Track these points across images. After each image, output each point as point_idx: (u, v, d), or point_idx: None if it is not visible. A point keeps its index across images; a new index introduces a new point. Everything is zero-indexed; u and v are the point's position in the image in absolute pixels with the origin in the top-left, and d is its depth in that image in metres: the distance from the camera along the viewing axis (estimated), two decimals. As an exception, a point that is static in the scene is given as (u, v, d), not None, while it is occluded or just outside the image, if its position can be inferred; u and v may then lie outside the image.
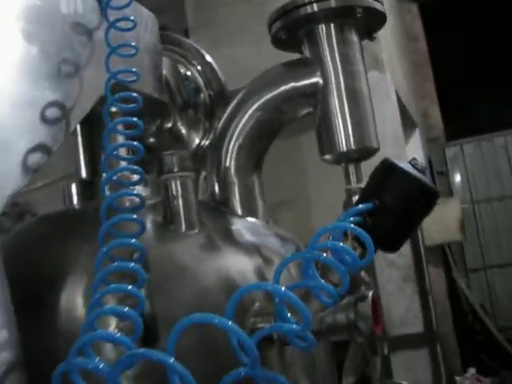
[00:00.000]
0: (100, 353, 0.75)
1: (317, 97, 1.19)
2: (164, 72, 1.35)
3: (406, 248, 4.20)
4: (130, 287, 0.69)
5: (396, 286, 4.21)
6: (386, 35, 4.64)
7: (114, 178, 0.92)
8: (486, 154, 7.15)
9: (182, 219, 1.05)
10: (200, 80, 1.55)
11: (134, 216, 0.84)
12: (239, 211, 1.22)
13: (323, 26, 1.19)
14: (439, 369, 4.17)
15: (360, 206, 0.86)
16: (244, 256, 1.10)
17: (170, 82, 1.43)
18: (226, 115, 1.26)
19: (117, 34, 1.09)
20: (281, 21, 1.20)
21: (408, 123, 5.50)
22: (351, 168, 1.18)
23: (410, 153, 5.64)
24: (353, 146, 1.17)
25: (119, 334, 0.57)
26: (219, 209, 1.23)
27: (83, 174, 1.26)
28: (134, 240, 0.78)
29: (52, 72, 1.00)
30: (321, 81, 1.18)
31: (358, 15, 1.16)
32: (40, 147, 0.93)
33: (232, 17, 4.20)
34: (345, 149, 1.17)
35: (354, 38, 1.19)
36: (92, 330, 0.63)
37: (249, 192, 1.23)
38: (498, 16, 6.58)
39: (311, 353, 1.13)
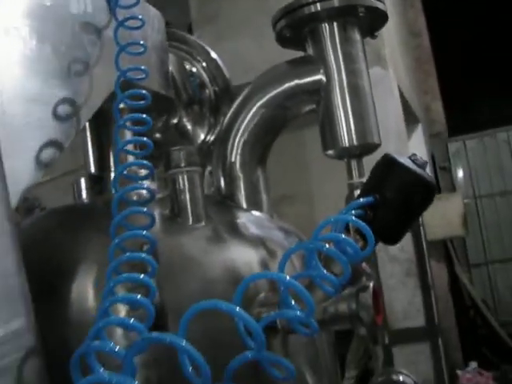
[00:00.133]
0: (111, 340, 0.79)
1: (320, 94, 1.22)
2: (170, 69, 1.38)
3: (409, 243, 4.22)
4: (142, 276, 0.72)
5: (398, 280, 4.23)
6: (389, 31, 4.65)
7: (124, 172, 0.95)
8: (488, 150, 7.16)
9: (189, 212, 1.08)
10: (205, 76, 1.58)
11: (145, 209, 0.87)
12: (244, 205, 1.25)
13: (326, 24, 1.21)
14: (441, 362, 4.20)
15: (361, 199, 0.89)
16: (249, 248, 1.13)
17: (176, 78, 1.46)
18: (231, 111, 1.29)
19: (125, 32, 1.11)
20: (285, 19, 1.23)
21: (410, 119, 5.52)
22: (353, 163, 1.21)
23: (412, 148, 5.65)
24: (355, 142, 1.20)
25: (133, 320, 0.61)
26: (225, 203, 1.26)
27: (92, 168, 1.29)
28: (145, 232, 0.82)
29: (63, 70, 1.03)
30: (324, 78, 1.21)
31: (361, 14, 1.19)
32: (52, 143, 0.97)
33: (236, 11, 4.22)
34: (347, 144, 1.20)
35: (357, 36, 1.22)
36: (106, 317, 0.67)
37: (253, 186, 1.27)
38: (502, 12, 6.57)
39: (314, 343, 1.16)
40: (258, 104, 1.24)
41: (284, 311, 0.69)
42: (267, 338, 0.62)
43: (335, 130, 1.20)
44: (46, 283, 1.00)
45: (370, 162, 1.11)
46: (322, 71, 1.21)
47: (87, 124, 1.26)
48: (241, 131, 1.26)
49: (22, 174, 0.90)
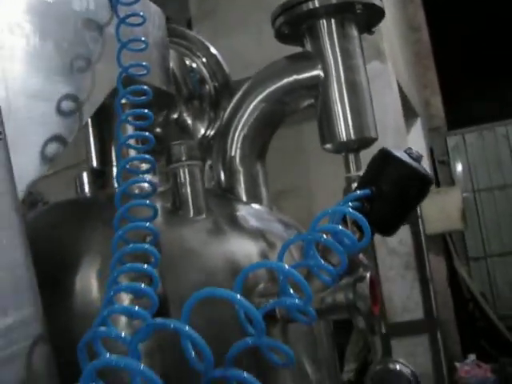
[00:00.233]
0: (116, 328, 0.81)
1: (318, 89, 1.24)
2: (171, 64, 1.40)
3: (408, 236, 4.25)
4: (145, 266, 0.74)
5: (397, 273, 4.26)
6: (388, 25, 4.66)
7: (127, 166, 0.97)
8: (487, 144, 7.18)
9: (190, 205, 1.10)
10: (205, 72, 1.60)
11: (147, 201, 0.89)
12: (244, 198, 1.27)
13: (324, 21, 1.23)
14: (439, 355, 4.23)
15: (358, 192, 0.92)
16: (249, 240, 1.15)
17: (177, 73, 1.48)
18: (231, 106, 1.31)
19: (127, 29, 1.13)
20: (284, 16, 1.25)
21: (410, 113, 5.54)
22: (351, 157, 1.23)
23: (411, 142, 5.68)
24: (352, 136, 1.22)
25: (137, 308, 0.63)
26: (225, 196, 1.28)
27: (94, 163, 1.31)
28: (148, 224, 0.84)
29: (65, 67, 1.05)
30: (322, 74, 1.23)
31: (358, 11, 1.21)
32: (56, 138, 0.99)
33: (234, 7, 4.23)
34: (345, 139, 1.22)
35: (354, 32, 1.24)
36: (111, 305, 0.69)
37: (253, 180, 1.29)
38: (501, 6, 6.58)
39: (312, 333, 1.19)
40: (258, 99, 1.26)
41: (283, 299, 0.71)
42: (267, 327, 0.65)
43: (333, 125, 1.23)
44: (51, 276, 1.01)
45: (367, 155, 1.13)
46: (320, 67, 1.23)
47: (89, 119, 1.28)
48: (240, 126, 1.28)
49: (27, 169, 0.92)
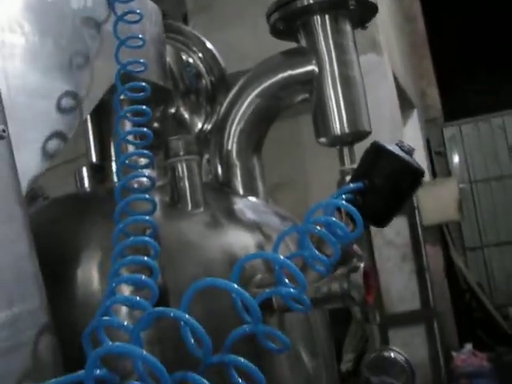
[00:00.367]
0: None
1: (312, 84, 1.26)
2: (167, 60, 1.42)
3: (404, 228, 4.28)
4: (146, 258, 0.77)
5: (394, 264, 4.30)
6: (384, 17, 4.67)
7: (126, 161, 1.00)
8: (483, 135, 7.20)
9: (188, 199, 1.12)
10: (201, 66, 1.62)
11: (147, 196, 0.92)
12: (241, 191, 1.30)
13: (318, 17, 1.26)
14: (436, 345, 4.27)
15: (351, 185, 0.94)
16: (246, 233, 1.18)
17: (173, 69, 1.50)
18: (227, 101, 1.34)
19: (124, 26, 1.15)
20: (279, 12, 1.28)
21: (406, 104, 5.55)
22: (345, 150, 1.26)
23: (408, 134, 5.70)
24: (346, 130, 1.25)
25: (138, 298, 0.66)
26: (222, 189, 1.31)
27: (93, 158, 1.33)
28: (147, 217, 0.86)
29: (65, 64, 1.07)
30: (316, 69, 1.26)
31: (351, 7, 1.23)
32: (57, 134, 1.01)
33: (230, 0, 4.24)
34: (339, 132, 1.25)
35: (348, 28, 1.27)
36: (113, 296, 0.72)
37: (250, 173, 1.31)
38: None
39: (309, 322, 1.22)
40: (253, 94, 1.29)
41: (278, 288, 0.74)
42: (264, 316, 0.68)
43: (327, 119, 1.25)
44: (53, 269, 1.03)
45: (362, 149, 1.15)
46: (314, 62, 1.26)
47: (88, 115, 1.30)
48: (237, 120, 1.30)
49: (28, 165, 0.94)
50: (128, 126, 1.20)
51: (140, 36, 1.14)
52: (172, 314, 0.57)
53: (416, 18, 7.06)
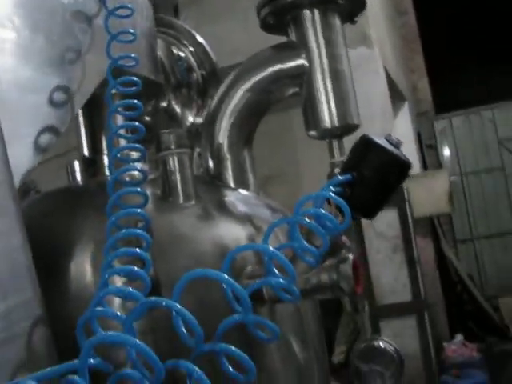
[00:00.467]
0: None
1: (302, 78, 1.27)
2: (159, 54, 1.43)
3: (395, 220, 4.31)
4: (138, 250, 0.78)
5: (385, 255, 4.33)
6: (375, 11, 4.69)
7: (118, 155, 1.01)
8: (474, 128, 7.25)
9: (180, 192, 1.13)
10: (192, 60, 1.62)
11: (139, 189, 0.93)
12: (232, 184, 1.31)
13: (308, 11, 1.27)
14: (427, 336, 4.31)
15: (340, 177, 0.96)
16: (237, 225, 1.19)
17: (165, 62, 1.51)
18: (218, 95, 1.35)
19: (115, 20, 1.16)
20: (269, 6, 1.29)
21: (397, 97, 5.58)
22: (335, 143, 1.27)
23: (399, 126, 5.73)
24: (336, 123, 1.26)
25: (131, 289, 0.67)
26: (213, 182, 1.32)
27: (85, 152, 1.34)
28: (139, 210, 0.88)
29: (56, 58, 1.07)
30: (306, 63, 1.27)
31: (340, 1, 1.24)
32: (49, 129, 1.02)
33: (221, -7, 4.24)
34: (328, 125, 1.26)
35: (337, 22, 1.28)
36: (106, 287, 0.73)
37: (241, 166, 1.33)
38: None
39: (299, 313, 1.24)
40: (244, 88, 1.30)
41: (268, 279, 0.76)
42: (255, 307, 0.69)
43: (317, 112, 1.26)
44: (45, 262, 1.04)
45: (351, 141, 1.17)
46: (304, 56, 1.27)
47: (80, 109, 1.31)
48: (228, 114, 1.31)
49: (21, 159, 0.95)
50: (120, 119, 1.21)
51: (131, 30, 1.14)
52: (164, 304, 0.58)
53: (407, 12, 7.08)
